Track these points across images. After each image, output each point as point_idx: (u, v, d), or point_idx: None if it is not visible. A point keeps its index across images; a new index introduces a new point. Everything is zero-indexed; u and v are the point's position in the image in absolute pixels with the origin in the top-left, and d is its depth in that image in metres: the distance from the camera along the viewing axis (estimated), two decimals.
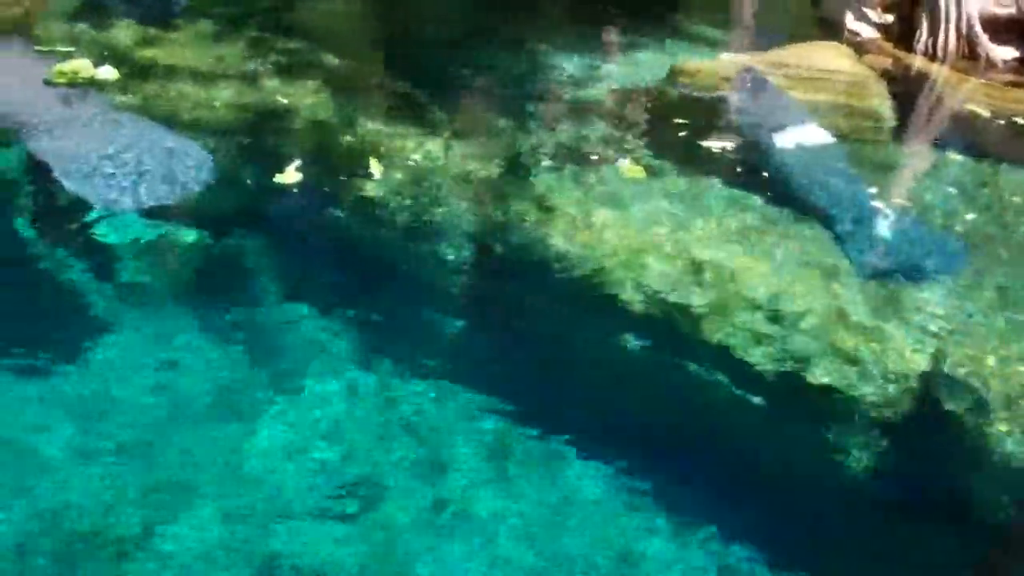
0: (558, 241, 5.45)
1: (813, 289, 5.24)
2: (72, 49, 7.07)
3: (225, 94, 6.70)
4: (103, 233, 5.25)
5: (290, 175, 5.76)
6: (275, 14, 8.64)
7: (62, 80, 6.45)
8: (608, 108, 7.06)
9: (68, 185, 5.45)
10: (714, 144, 6.67)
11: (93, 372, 4.33)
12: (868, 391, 4.61)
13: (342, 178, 5.85)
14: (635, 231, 5.57)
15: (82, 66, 6.58)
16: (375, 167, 5.91)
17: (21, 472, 3.83)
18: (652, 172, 6.20)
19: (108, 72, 6.67)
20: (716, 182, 6.17)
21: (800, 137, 6.65)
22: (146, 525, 3.68)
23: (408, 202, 5.68)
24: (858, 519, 4.11)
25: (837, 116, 7.19)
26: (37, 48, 7.03)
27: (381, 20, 9.21)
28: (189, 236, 5.28)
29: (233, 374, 4.39)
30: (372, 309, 4.92)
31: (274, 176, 5.76)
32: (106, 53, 7.07)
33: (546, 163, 6.23)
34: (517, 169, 6.16)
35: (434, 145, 6.29)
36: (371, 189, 5.76)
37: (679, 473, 4.20)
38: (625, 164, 6.23)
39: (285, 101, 6.70)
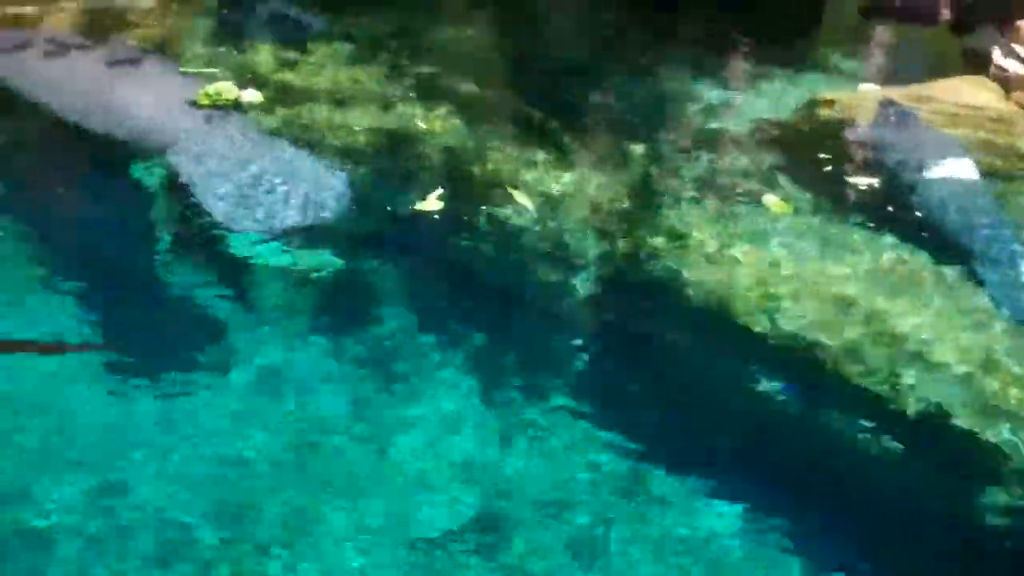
0: (693, 274, 5.32)
1: (959, 333, 5.01)
2: (215, 71, 7.18)
3: (361, 117, 6.73)
4: (238, 254, 5.30)
5: (431, 203, 5.73)
6: (407, 38, 8.69)
7: (207, 102, 6.53)
8: (745, 139, 6.90)
9: (206, 205, 5.53)
10: (858, 180, 6.47)
11: (225, 392, 4.35)
12: (1018, 443, 4.38)
13: (479, 206, 5.81)
14: (774, 267, 5.42)
15: (226, 88, 6.65)
16: (517, 196, 5.85)
17: (158, 489, 3.84)
18: (794, 207, 6.03)
19: (252, 95, 6.75)
20: (860, 219, 5.98)
21: (948, 174, 6.41)
22: (283, 548, 3.67)
23: (541, 231, 5.62)
24: None
25: (984, 154, 6.92)
26: (182, 70, 7.16)
27: (512, 45, 9.20)
28: (324, 260, 5.29)
29: (362, 401, 4.37)
30: (504, 339, 4.87)
31: (414, 203, 5.74)
32: (248, 75, 7.16)
33: (682, 195, 6.12)
34: (652, 200, 6.05)
35: (567, 174, 6.22)
36: (506, 218, 5.71)
37: (812, 517, 4.07)
38: (772, 199, 6.07)
39: (420, 126, 6.70)
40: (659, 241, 5.60)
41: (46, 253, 5.30)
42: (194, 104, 6.52)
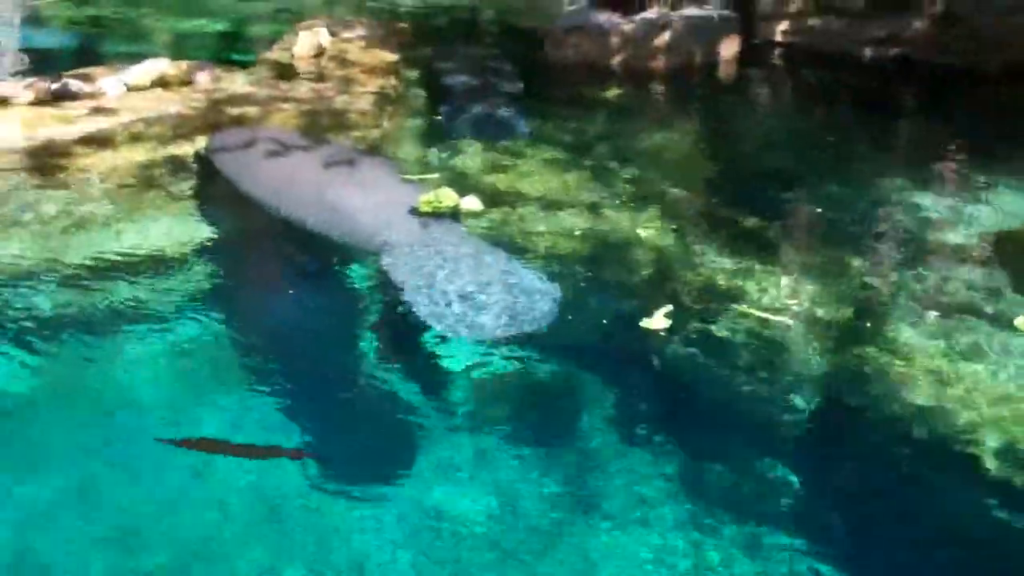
0: (918, 396, 4.98)
1: None
2: (434, 176, 7.34)
3: (571, 223, 6.72)
4: (447, 359, 5.28)
5: (659, 320, 5.55)
6: (614, 142, 8.73)
7: (427, 209, 6.59)
8: (976, 253, 6.52)
9: (414, 307, 5.56)
10: None
11: (424, 491, 4.28)
12: None
13: (689, 316, 5.64)
14: (1013, 392, 5.04)
15: (447, 196, 6.68)
16: (747, 310, 5.67)
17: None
18: None
19: (472, 203, 6.78)
20: None
21: None
22: None
23: (757, 343, 5.41)
24: None
25: None
26: (404, 177, 7.33)
27: (720, 149, 9.14)
28: (533, 369, 5.23)
29: (563, 520, 4.20)
30: (718, 462, 4.62)
31: (636, 318, 5.57)
32: (463, 180, 7.28)
33: (905, 309, 5.80)
34: (873, 315, 5.76)
35: (782, 285, 6.01)
36: (717, 329, 5.53)
37: None
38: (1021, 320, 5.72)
39: (630, 233, 6.63)
40: (883, 357, 5.30)
41: (255, 350, 5.43)
42: (414, 210, 6.61)
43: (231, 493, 4.24)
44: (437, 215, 6.58)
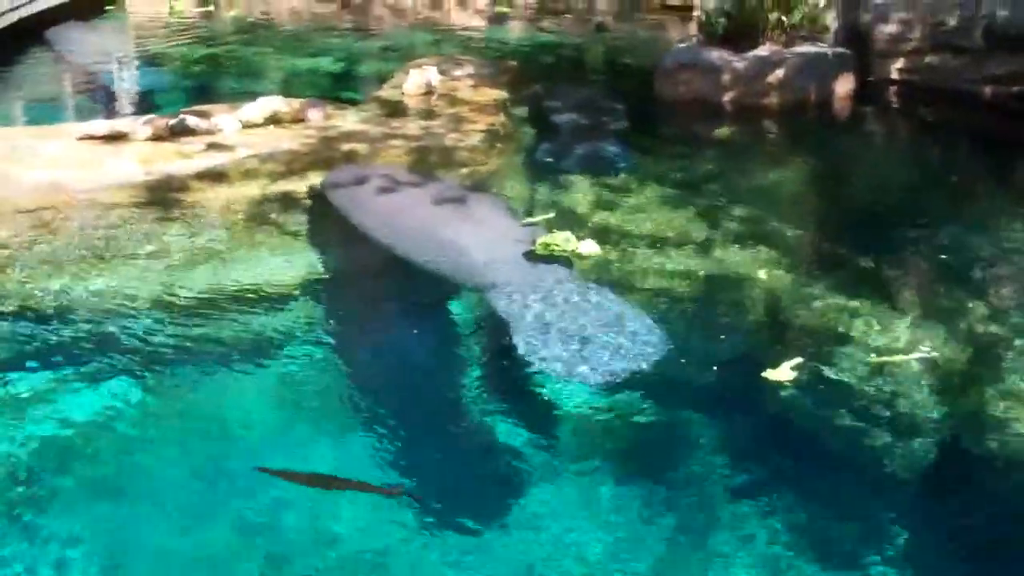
0: None
1: None
2: (551, 216, 7.28)
3: (681, 262, 6.60)
4: (552, 401, 5.19)
5: (784, 372, 5.30)
6: (725, 180, 8.61)
7: (544, 252, 6.48)
8: None
9: (520, 347, 5.49)
10: None
11: (522, 533, 4.20)
12: None
13: (806, 358, 5.46)
14: None
15: (564, 240, 6.55)
16: (872, 359, 5.47)
17: None
18: None
19: (591, 247, 6.61)
20: None
21: None
22: None
23: (874, 389, 5.21)
24: None
25: None
26: (524, 220, 7.27)
27: (835, 188, 8.94)
28: (637, 413, 5.08)
29: (663, 562, 4.07)
30: (834, 515, 4.44)
31: (761, 368, 5.35)
32: (575, 218, 7.25)
33: None
34: (994, 360, 5.51)
35: (899, 328, 5.80)
36: (835, 373, 5.34)
37: None
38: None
39: (742, 272, 6.49)
40: (1002, 402, 5.07)
41: (360, 385, 5.40)
42: (529, 252, 6.51)
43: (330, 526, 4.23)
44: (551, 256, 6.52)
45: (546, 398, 5.23)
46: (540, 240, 6.53)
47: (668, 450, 4.89)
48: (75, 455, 4.64)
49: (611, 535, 4.20)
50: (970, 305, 6.13)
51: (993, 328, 5.88)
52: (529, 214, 7.41)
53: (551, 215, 7.31)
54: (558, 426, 5.04)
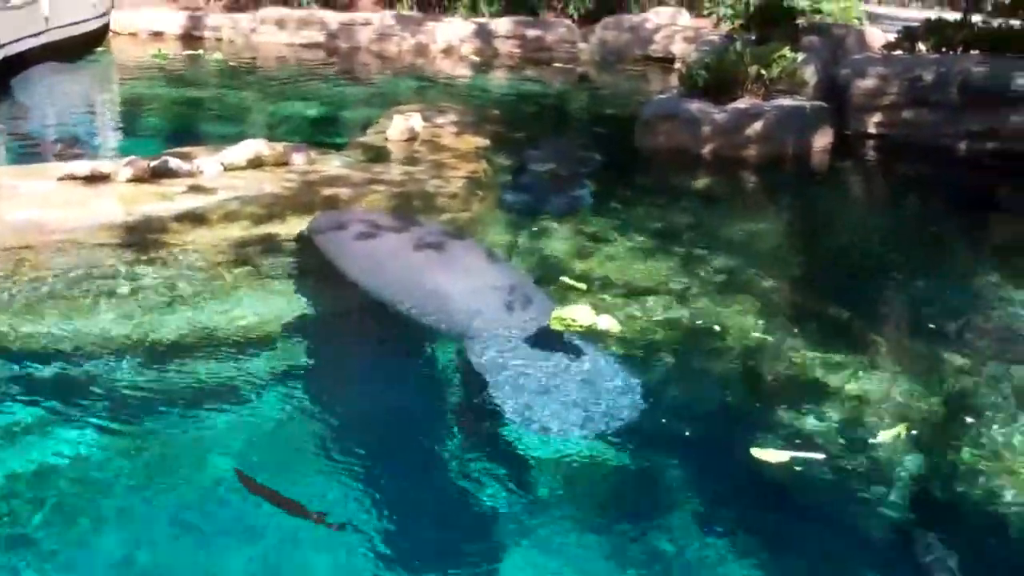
0: (1013, 494, 4.79)
1: None
2: (582, 286, 7.12)
3: (658, 312, 6.64)
4: (525, 452, 5.16)
5: (773, 455, 5.14)
6: (701, 230, 8.69)
7: (560, 327, 6.01)
8: None
9: (496, 397, 5.47)
10: None
11: None
12: None
13: (769, 406, 5.49)
14: None
15: (582, 314, 6.00)
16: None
17: None
18: None
19: (609, 323, 6.10)
20: None
21: None
22: None
23: (846, 440, 5.23)
24: None
25: None
26: (562, 279, 7.21)
27: (811, 240, 9.04)
28: (607, 464, 5.07)
29: None
30: (800, 562, 4.47)
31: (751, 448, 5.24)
32: (552, 265, 7.25)
33: (1002, 408, 5.59)
34: (968, 412, 5.56)
35: (873, 379, 5.85)
36: (801, 423, 5.37)
37: None
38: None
39: (718, 322, 6.53)
40: (978, 459, 5.11)
41: (333, 425, 5.37)
42: (548, 328, 6.10)
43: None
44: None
45: (516, 450, 5.19)
46: (555, 314, 6.08)
47: (639, 504, 4.88)
48: (41, 498, 4.57)
49: None
50: (942, 354, 6.20)
51: (964, 379, 5.94)
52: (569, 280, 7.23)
53: (584, 285, 7.09)
54: (526, 479, 4.99)
